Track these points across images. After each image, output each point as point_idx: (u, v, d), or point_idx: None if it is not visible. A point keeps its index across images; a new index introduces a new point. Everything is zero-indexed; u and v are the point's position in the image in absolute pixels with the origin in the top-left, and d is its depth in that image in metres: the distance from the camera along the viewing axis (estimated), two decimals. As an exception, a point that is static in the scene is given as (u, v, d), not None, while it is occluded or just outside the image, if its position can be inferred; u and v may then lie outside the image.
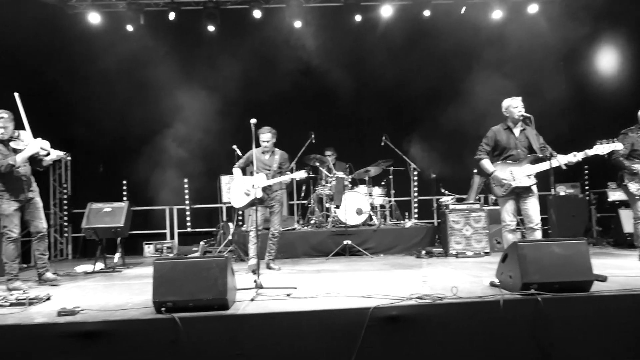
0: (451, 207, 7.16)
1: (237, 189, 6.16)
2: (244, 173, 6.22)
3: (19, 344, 3.54)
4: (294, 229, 7.87)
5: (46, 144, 5.35)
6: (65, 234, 9.59)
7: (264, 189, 6.02)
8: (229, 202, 7.95)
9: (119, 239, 7.50)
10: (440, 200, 7.75)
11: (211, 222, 9.53)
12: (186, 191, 9.49)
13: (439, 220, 8.02)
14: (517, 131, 5.39)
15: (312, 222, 8.27)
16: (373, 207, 8.15)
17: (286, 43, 8.84)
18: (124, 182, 9.54)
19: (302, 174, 5.88)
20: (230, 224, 8.04)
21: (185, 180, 9.44)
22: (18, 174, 5.32)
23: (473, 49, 8.71)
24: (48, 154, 5.40)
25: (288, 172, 6.11)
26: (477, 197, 8.24)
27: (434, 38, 8.77)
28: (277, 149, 6.18)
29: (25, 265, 7.39)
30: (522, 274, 3.79)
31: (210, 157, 8.87)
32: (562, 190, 8.75)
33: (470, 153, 5.65)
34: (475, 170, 8.25)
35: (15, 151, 5.31)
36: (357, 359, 3.50)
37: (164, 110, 8.67)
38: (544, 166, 5.15)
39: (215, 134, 8.62)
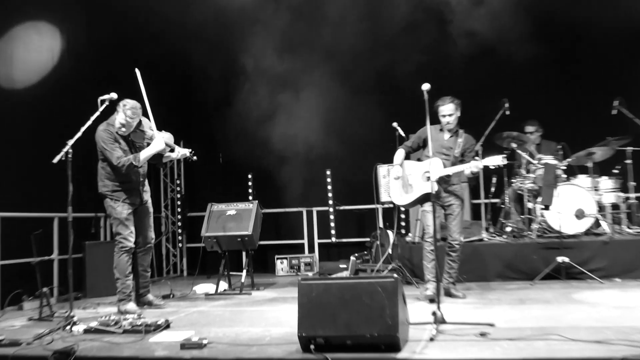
0: None
1: (400, 179, 6.15)
2: (408, 158, 6.22)
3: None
4: (481, 240, 7.61)
5: (170, 139, 5.95)
6: (179, 244, 10.23)
7: (440, 181, 5.89)
8: (389, 202, 7.93)
9: (246, 250, 7.78)
10: None
11: (363, 229, 9.46)
12: (329, 187, 9.56)
13: None
14: None
15: (508, 229, 7.94)
16: (601, 208, 7.64)
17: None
18: (249, 176, 9.86)
19: (497, 160, 5.66)
20: (390, 232, 7.89)
21: (328, 173, 9.53)
22: (137, 173, 5.88)
23: None
24: (172, 150, 5.97)
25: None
26: None
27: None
28: (461, 130, 6.11)
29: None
30: None
31: (361, 141, 8.90)
32: None
33: None
34: None
35: (134, 144, 5.90)
36: None
37: (297, 85, 8.89)
38: None
39: (366, 110, 8.59)
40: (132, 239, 5.83)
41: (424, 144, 6.03)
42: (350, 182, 9.33)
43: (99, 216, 7.86)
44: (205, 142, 9.77)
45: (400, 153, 6.22)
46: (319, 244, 9.72)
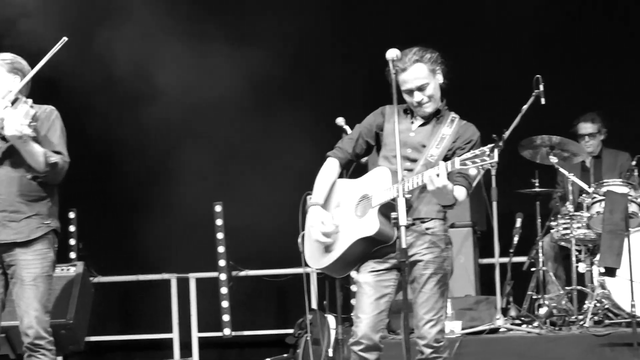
0: None
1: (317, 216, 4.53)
2: (345, 174, 4.57)
3: None
4: (494, 331, 6.09)
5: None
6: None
7: (388, 213, 4.14)
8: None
9: (64, 355, 6.36)
10: None
11: (283, 313, 7.81)
12: (219, 236, 7.41)
13: None
14: None
15: (543, 311, 6.33)
16: None
17: None
18: (71, 215, 7.75)
19: (486, 156, 3.81)
20: (330, 318, 6.15)
21: (218, 210, 7.33)
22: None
23: None
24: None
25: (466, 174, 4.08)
26: None
27: None
28: (452, 115, 4.35)
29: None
30: None
31: (277, 152, 7.26)
32: None
33: None
34: None
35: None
36: None
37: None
38: None
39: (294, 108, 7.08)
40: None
41: (377, 143, 4.17)
42: (260, 228, 7.27)
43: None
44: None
45: (330, 168, 4.20)
46: (202, 340, 7.47)
